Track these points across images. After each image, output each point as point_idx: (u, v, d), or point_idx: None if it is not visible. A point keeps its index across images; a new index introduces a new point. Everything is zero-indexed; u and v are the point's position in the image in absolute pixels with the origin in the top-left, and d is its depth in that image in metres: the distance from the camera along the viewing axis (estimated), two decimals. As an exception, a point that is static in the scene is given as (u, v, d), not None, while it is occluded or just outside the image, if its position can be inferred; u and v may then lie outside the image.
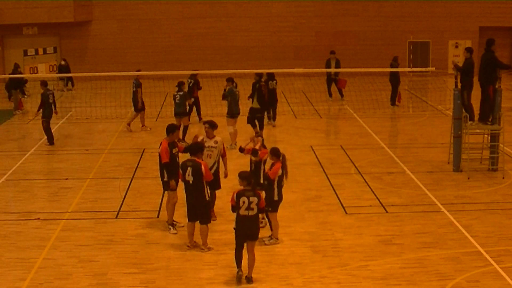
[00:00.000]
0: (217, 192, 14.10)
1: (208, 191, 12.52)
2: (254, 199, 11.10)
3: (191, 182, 12.24)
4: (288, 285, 11.06)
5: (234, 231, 11.32)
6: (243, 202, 11.08)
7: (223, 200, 14.77)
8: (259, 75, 22.21)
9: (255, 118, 21.25)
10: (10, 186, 17.09)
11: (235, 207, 11.21)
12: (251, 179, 11.39)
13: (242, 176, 11.38)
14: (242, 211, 11.10)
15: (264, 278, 11.29)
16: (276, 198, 12.59)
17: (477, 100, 17.55)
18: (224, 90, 21.13)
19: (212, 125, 13.93)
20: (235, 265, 11.27)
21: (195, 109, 23.97)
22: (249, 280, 11.16)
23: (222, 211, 14.24)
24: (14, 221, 14.37)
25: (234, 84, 20.92)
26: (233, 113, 20.56)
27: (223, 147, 13.90)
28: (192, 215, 12.42)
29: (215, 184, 13.80)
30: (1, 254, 12.43)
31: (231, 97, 20.48)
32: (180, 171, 12.50)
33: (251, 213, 11.11)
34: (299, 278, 11.28)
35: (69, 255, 12.34)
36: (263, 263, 11.86)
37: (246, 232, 11.15)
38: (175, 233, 13.27)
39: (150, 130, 22.98)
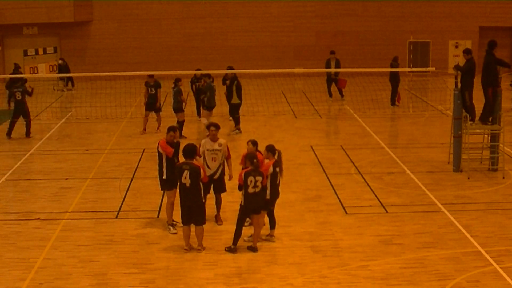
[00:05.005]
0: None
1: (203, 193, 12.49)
2: (259, 178, 12.21)
3: (188, 185, 12.23)
4: (288, 285, 11.06)
5: (240, 207, 12.34)
6: (251, 181, 12.15)
7: (222, 200, 14.76)
8: (235, 74, 22.71)
9: (237, 113, 22.59)
10: (10, 186, 17.09)
11: (242, 186, 12.21)
12: (254, 159, 12.26)
13: (249, 157, 12.35)
14: (250, 189, 12.18)
15: (264, 278, 11.29)
16: (267, 196, 12.60)
17: (478, 100, 17.57)
18: (202, 85, 22.69)
19: (218, 127, 13.84)
20: (233, 242, 12.30)
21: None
22: (255, 249, 12.30)
23: (222, 211, 14.22)
24: (14, 221, 14.37)
25: (211, 79, 22.27)
26: (211, 106, 21.95)
27: (227, 149, 13.81)
28: (187, 218, 12.40)
29: (220, 187, 13.74)
30: (1, 254, 12.43)
31: (210, 91, 21.77)
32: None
33: (257, 190, 12.20)
34: (299, 278, 11.28)
35: (69, 255, 12.34)
36: (263, 263, 11.88)
37: (254, 207, 12.29)
38: (175, 233, 13.26)
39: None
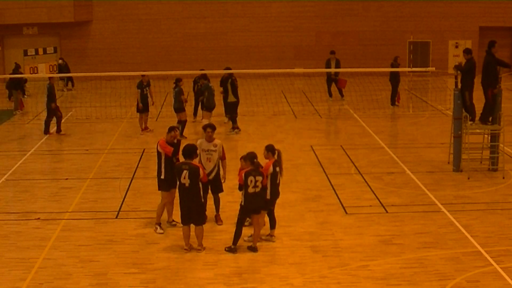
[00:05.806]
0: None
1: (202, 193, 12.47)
2: (259, 178, 12.23)
3: (187, 185, 12.23)
4: (288, 285, 11.06)
5: (240, 207, 12.35)
6: (251, 181, 12.17)
7: (222, 200, 14.75)
8: (230, 73, 22.68)
9: (235, 113, 22.53)
10: (10, 186, 17.10)
11: (243, 186, 12.22)
12: (254, 159, 12.31)
13: (248, 157, 12.38)
14: (250, 189, 12.20)
15: (264, 278, 11.29)
16: (267, 196, 12.59)
17: (478, 100, 17.57)
18: (201, 86, 22.59)
19: (214, 128, 13.85)
20: (233, 242, 12.30)
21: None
22: (255, 249, 12.31)
23: (221, 211, 14.21)
24: (14, 221, 14.37)
25: (208, 80, 22.31)
26: (211, 107, 21.94)
27: (223, 150, 13.81)
28: (186, 218, 12.41)
29: (217, 187, 13.73)
30: (1, 254, 12.43)
31: (208, 91, 21.81)
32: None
33: (257, 190, 12.22)
34: (299, 278, 11.28)
35: (69, 255, 12.35)
36: (263, 263, 11.88)
37: (254, 207, 12.31)
38: (162, 233, 13.22)
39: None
